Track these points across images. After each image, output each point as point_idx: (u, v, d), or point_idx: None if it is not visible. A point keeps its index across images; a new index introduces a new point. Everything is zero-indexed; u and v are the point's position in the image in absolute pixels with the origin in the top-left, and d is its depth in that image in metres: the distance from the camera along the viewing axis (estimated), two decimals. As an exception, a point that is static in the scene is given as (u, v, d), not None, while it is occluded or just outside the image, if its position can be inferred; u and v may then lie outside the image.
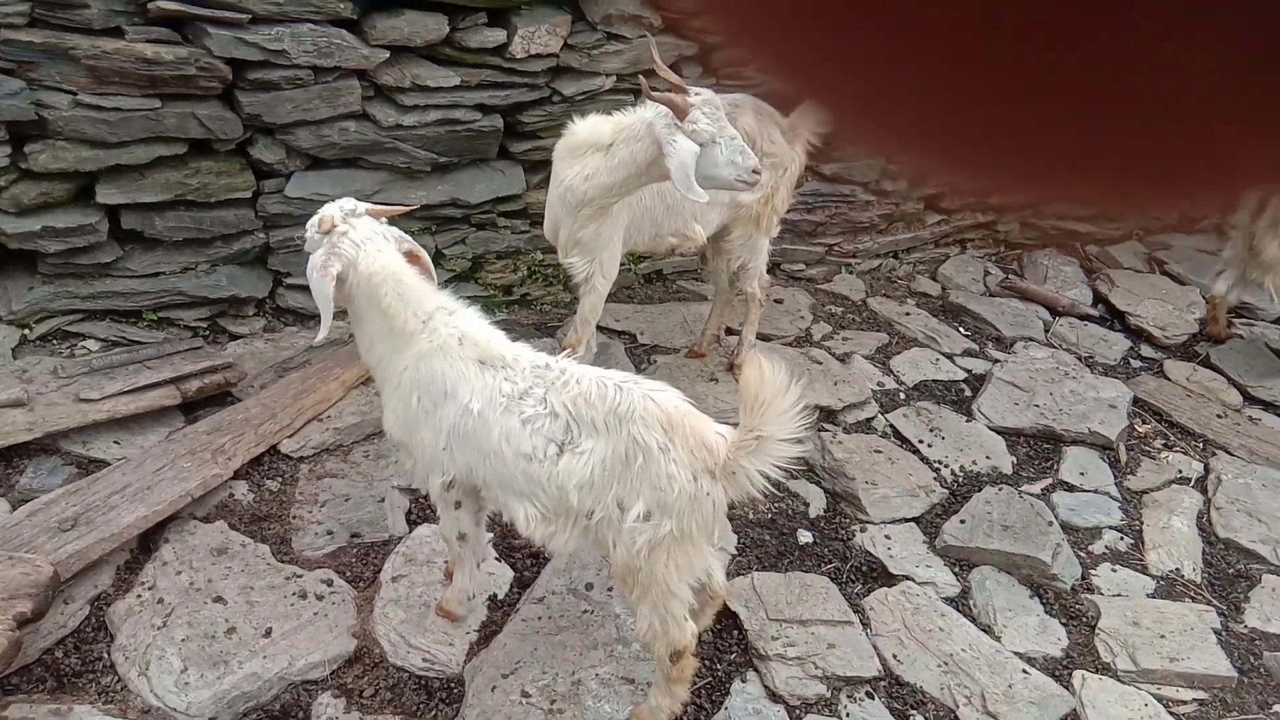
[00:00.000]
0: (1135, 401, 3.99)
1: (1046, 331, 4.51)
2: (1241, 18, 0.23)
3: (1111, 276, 4.98)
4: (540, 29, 3.63)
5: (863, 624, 2.76)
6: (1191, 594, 3.06)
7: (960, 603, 2.92)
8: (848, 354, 4.10)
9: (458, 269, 3.96)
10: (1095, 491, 3.48)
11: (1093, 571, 3.11)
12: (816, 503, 3.25)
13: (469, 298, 3.17)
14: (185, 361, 3.27)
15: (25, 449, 2.92)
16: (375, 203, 3.56)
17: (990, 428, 3.74)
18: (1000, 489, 3.38)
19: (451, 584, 2.57)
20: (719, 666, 2.60)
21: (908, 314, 4.56)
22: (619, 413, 1.99)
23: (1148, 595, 3.04)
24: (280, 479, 3.04)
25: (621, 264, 3.97)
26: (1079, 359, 4.26)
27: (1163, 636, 2.83)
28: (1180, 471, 3.65)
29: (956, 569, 3.04)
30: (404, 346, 2.21)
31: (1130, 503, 3.46)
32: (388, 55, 3.45)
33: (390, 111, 3.56)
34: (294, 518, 2.89)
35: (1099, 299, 4.82)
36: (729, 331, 3.99)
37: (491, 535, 2.79)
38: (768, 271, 3.70)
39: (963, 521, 3.17)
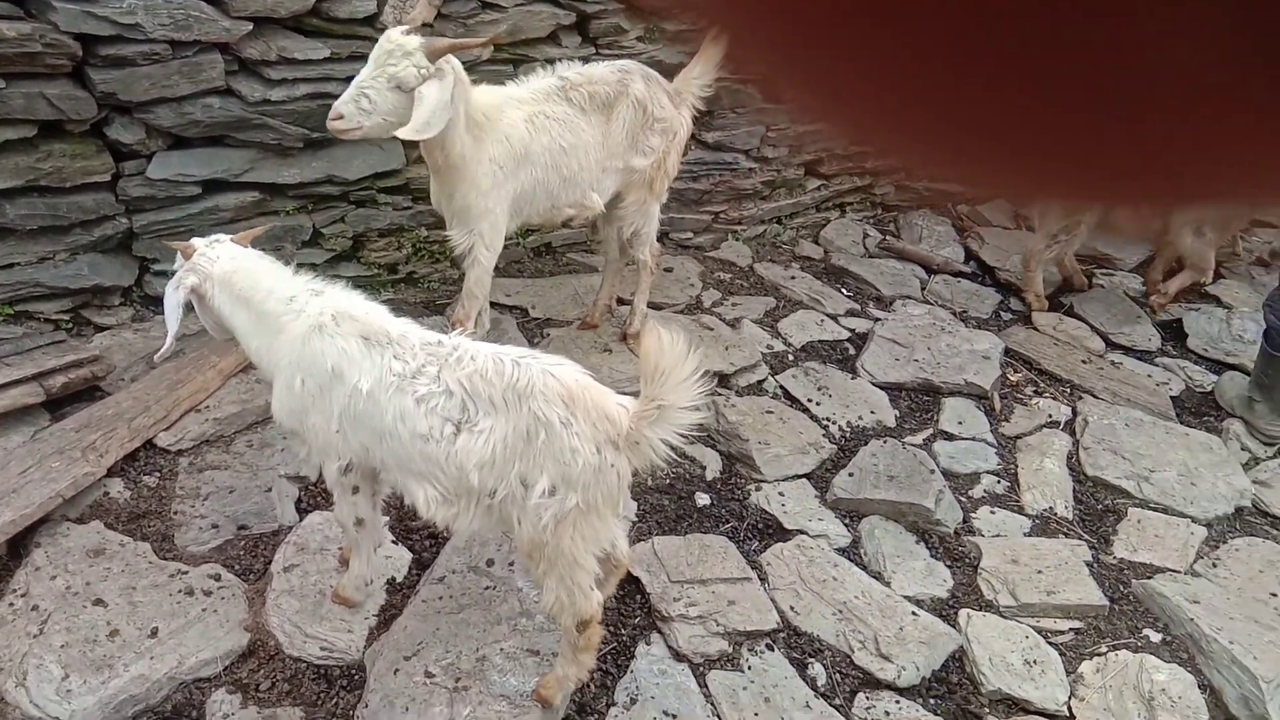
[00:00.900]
0: (1007, 352, 4.19)
1: (923, 289, 4.69)
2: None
3: (981, 234, 5.20)
4: (412, -2, 3.53)
5: (760, 579, 2.83)
6: (1065, 530, 3.26)
7: (852, 552, 3.03)
8: (737, 319, 4.17)
9: (338, 248, 3.85)
10: (973, 439, 3.65)
11: (973, 515, 3.27)
12: (713, 465, 3.31)
13: (352, 278, 3.11)
14: (47, 356, 3.08)
15: None
16: (244, 182, 3.44)
17: (874, 383, 3.87)
18: (885, 441, 3.51)
19: (348, 570, 2.51)
20: (624, 631, 2.63)
21: (793, 278, 4.66)
22: (518, 389, 1.97)
23: (1024, 534, 3.21)
24: (158, 474, 2.91)
25: (510, 238, 3.93)
26: (954, 314, 4.45)
27: (1040, 572, 3.00)
28: (1050, 416, 3.86)
29: (847, 520, 3.15)
30: (276, 332, 2.16)
31: (1005, 448, 3.65)
32: (251, 27, 3.30)
33: (257, 86, 3.41)
34: (175, 513, 2.77)
35: (970, 256, 5.04)
36: (621, 302, 4.00)
37: (387, 519, 2.74)
38: (657, 240, 3.73)
39: (851, 475, 3.29)
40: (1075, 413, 3.87)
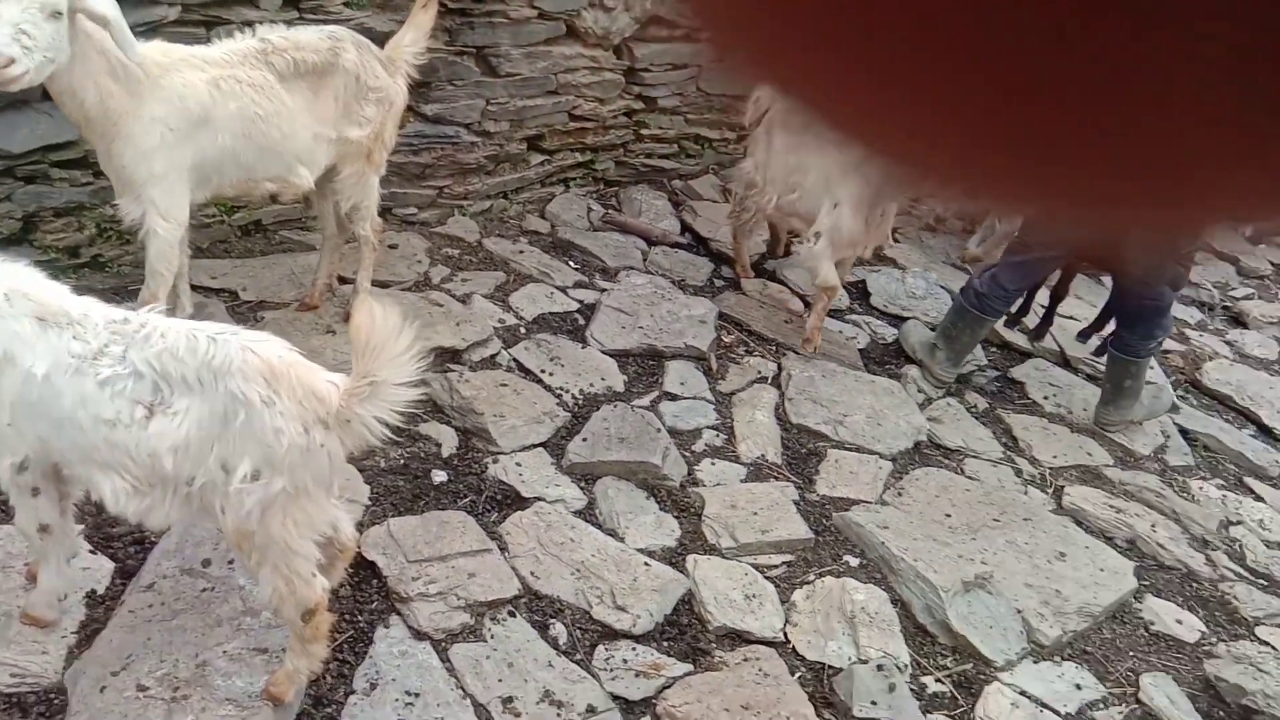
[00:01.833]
0: (721, 316, 4.49)
1: (644, 260, 4.90)
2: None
3: (695, 207, 5.52)
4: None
5: (501, 549, 2.87)
6: (775, 474, 3.57)
7: (588, 513, 3.14)
8: (468, 294, 4.15)
9: (5, 231, 3.39)
10: (694, 398, 3.90)
11: (696, 467, 3.50)
12: (449, 442, 3.29)
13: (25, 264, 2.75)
14: None
15: None
16: None
17: (603, 351, 4.01)
18: (615, 406, 3.66)
19: (37, 586, 2.25)
20: (360, 617, 2.57)
21: (521, 252, 4.70)
22: (213, 366, 1.85)
23: (741, 481, 3.48)
24: None
25: (211, 214, 3.64)
26: (673, 282, 4.70)
27: (755, 514, 3.27)
28: (760, 372, 4.20)
29: (582, 484, 3.26)
30: None
31: (722, 404, 3.93)
32: None
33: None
34: None
35: (685, 228, 5.33)
36: (342, 280, 3.85)
37: (82, 527, 2.48)
38: (379, 215, 3.62)
39: (584, 440, 3.40)
40: (780, 368, 4.23)
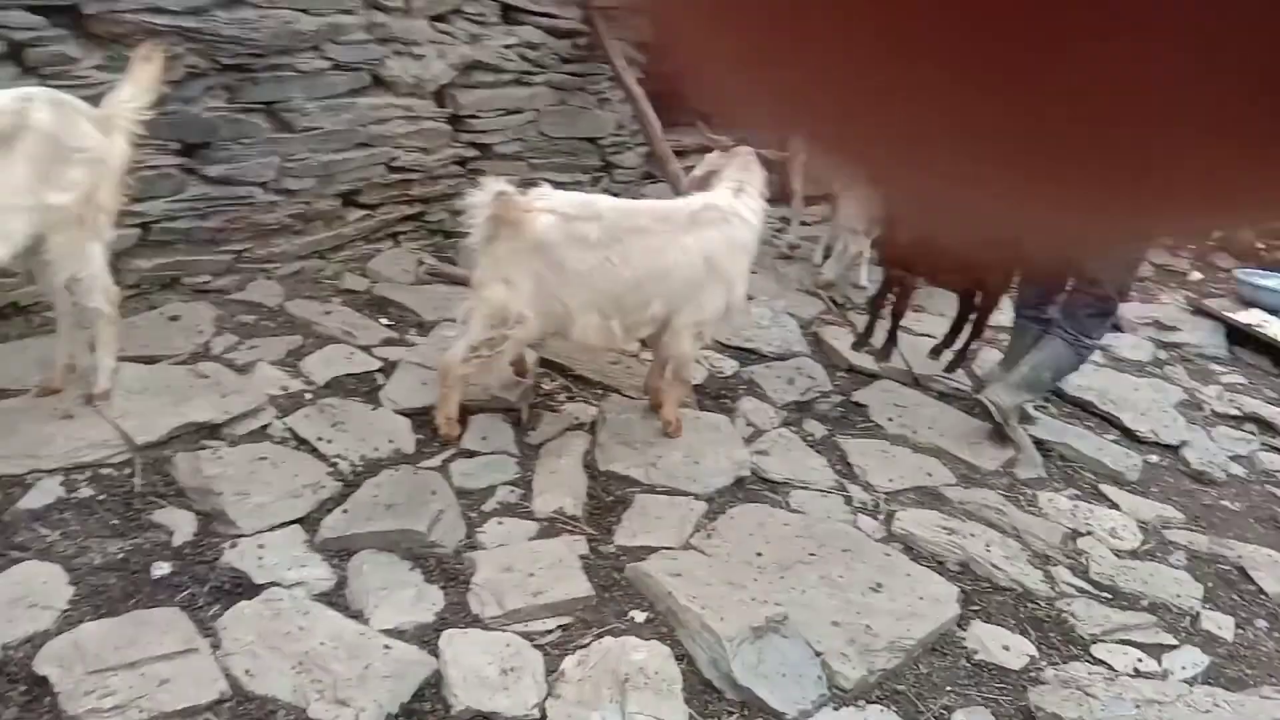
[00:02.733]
0: (542, 362, 4.22)
1: (465, 309, 4.63)
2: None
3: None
4: None
5: (214, 647, 2.53)
6: (570, 528, 3.27)
7: (335, 595, 2.81)
8: (251, 363, 3.85)
9: None
10: (494, 453, 3.60)
11: (480, 529, 3.19)
12: (185, 529, 2.95)
13: None
14: None
15: None
16: None
17: (396, 410, 3.72)
18: (397, 470, 3.36)
19: None
20: (24, 744, 2.22)
21: (329, 313, 4.42)
22: None
23: (529, 539, 3.18)
24: None
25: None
26: (490, 331, 4.42)
27: (531, 575, 2.96)
28: (577, 418, 3.92)
29: (335, 561, 2.93)
30: None
31: (528, 456, 3.64)
32: None
33: None
34: None
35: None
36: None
37: None
38: (115, 285, 3.32)
39: (345, 511, 3.08)
40: (601, 412, 3.96)
